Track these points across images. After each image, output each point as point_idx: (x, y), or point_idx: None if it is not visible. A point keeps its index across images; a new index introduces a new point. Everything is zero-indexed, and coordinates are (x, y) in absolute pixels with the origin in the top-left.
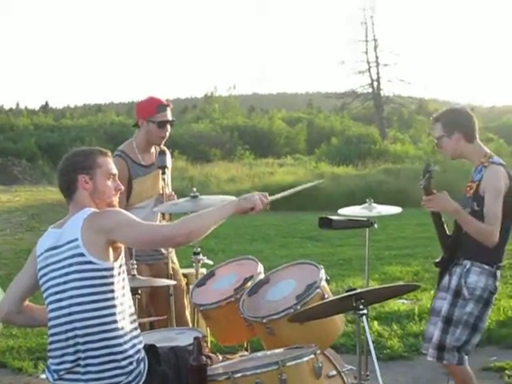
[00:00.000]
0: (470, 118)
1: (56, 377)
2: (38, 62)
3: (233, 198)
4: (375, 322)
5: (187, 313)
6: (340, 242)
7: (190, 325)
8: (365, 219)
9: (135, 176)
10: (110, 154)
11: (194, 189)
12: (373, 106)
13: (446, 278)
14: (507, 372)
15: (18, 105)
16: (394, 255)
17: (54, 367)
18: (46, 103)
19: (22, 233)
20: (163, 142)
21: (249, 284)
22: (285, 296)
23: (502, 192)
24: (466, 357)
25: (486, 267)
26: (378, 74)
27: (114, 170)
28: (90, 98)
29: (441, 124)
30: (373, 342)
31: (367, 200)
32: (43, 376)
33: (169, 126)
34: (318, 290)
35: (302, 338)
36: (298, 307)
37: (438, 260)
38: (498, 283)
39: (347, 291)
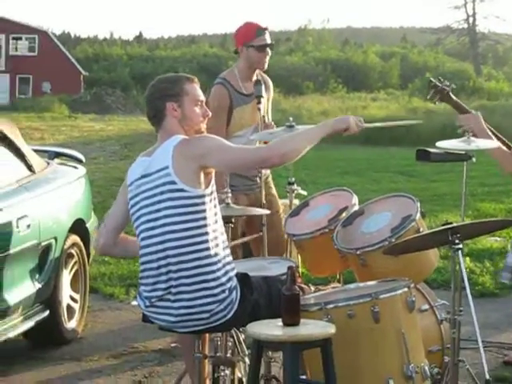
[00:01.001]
0: None
1: (148, 303)
2: None
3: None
4: (467, 259)
5: (285, 240)
6: (434, 177)
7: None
8: (463, 152)
9: (236, 104)
10: (196, 80)
11: (291, 118)
12: (468, 42)
13: None
14: None
15: (111, 35)
16: (487, 192)
17: (146, 294)
18: (140, 33)
19: (116, 161)
20: (266, 66)
21: (343, 215)
22: (379, 228)
23: None
24: None
25: None
26: (473, 9)
27: (202, 97)
28: (184, 29)
29: None
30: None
31: (466, 133)
32: (134, 303)
33: (269, 50)
34: (413, 224)
35: (396, 271)
36: (393, 240)
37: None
38: None
39: (443, 225)
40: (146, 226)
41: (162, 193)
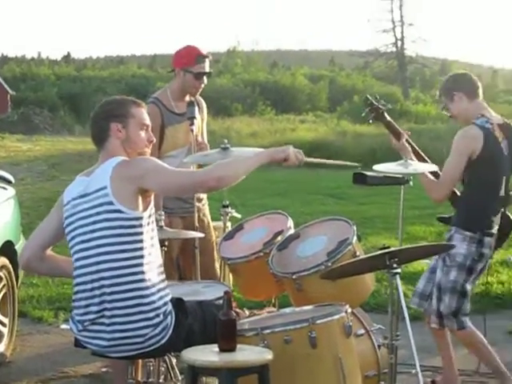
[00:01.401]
0: (466, 78)
1: (80, 328)
2: (60, 12)
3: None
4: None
5: (217, 266)
6: (363, 199)
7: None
8: (400, 176)
9: (168, 123)
10: (143, 105)
11: (225, 140)
12: (396, 65)
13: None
14: None
15: (39, 54)
16: (417, 215)
17: (78, 318)
18: (68, 53)
19: (43, 182)
20: (198, 93)
21: (279, 239)
22: (315, 252)
23: (463, 152)
24: (466, 319)
25: (469, 234)
26: (402, 33)
27: (148, 121)
28: (112, 49)
29: (443, 91)
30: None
31: (427, 160)
32: (63, 326)
33: (205, 78)
34: (349, 247)
35: (332, 295)
36: (329, 264)
37: (442, 216)
38: (486, 250)
39: (381, 249)
40: (80, 247)
41: (98, 213)
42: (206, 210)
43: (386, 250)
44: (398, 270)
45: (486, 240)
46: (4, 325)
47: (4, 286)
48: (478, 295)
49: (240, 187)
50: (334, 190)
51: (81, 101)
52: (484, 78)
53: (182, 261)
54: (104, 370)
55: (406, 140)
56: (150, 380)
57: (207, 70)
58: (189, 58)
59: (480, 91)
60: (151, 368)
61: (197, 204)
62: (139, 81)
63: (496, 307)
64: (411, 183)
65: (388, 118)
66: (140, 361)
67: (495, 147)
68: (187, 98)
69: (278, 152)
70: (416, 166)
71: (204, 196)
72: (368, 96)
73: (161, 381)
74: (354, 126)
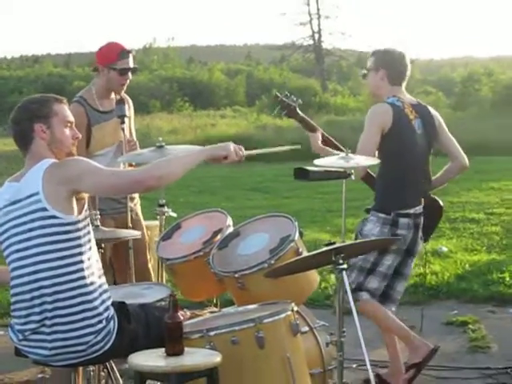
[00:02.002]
0: (400, 61)
1: (21, 337)
2: None
3: (200, 147)
4: (332, 276)
5: (150, 266)
6: (287, 193)
7: (154, 279)
8: (342, 170)
9: (94, 122)
10: (65, 100)
11: (160, 138)
12: (313, 58)
13: None
14: (470, 326)
15: None
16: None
17: (18, 327)
18: None
19: None
20: (124, 90)
21: (218, 237)
22: (257, 250)
23: (375, 127)
24: (365, 293)
25: (382, 215)
26: (319, 26)
27: (71, 118)
28: (27, 48)
29: (374, 58)
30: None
31: (344, 150)
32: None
33: (130, 74)
34: (292, 244)
35: (275, 293)
36: (272, 262)
37: (369, 207)
38: (402, 231)
39: (326, 245)
40: (16, 256)
41: (32, 220)
42: (138, 209)
43: (332, 246)
44: (345, 266)
45: (402, 221)
46: None
47: None
48: (413, 287)
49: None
50: (259, 184)
51: (20, 102)
52: None
53: (115, 263)
54: (40, 375)
55: (322, 134)
56: None
57: (131, 65)
58: (112, 54)
59: (404, 83)
60: (91, 373)
61: (129, 204)
62: (55, 79)
63: (431, 298)
64: (353, 177)
65: (300, 113)
66: (81, 367)
67: (405, 124)
68: (112, 96)
69: (219, 149)
70: (357, 160)
71: (136, 195)
72: (277, 93)
73: None
74: (274, 120)
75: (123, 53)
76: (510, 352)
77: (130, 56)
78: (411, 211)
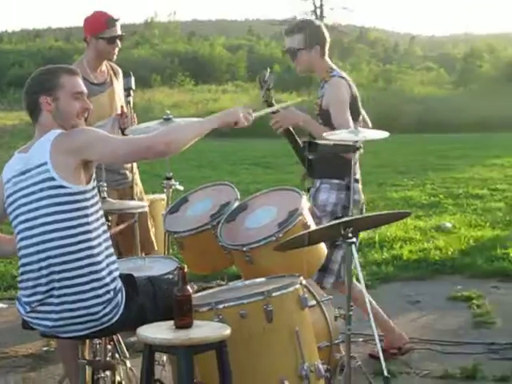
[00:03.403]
0: (326, 32)
1: (28, 309)
2: None
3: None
4: None
5: (152, 235)
6: (289, 168)
7: (156, 248)
8: (351, 143)
9: (90, 95)
10: (78, 71)
11: (168, 111)
12: None
13: None
14: (474, 302)
15: None
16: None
17: (25, 299)
18: None
19: None
20: (115, 57)
21: (225, 210)
22: (265, 223)
23: (347, 101)
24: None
25: (335, 181)
26: (321, 0)
27: (80, 88)
28: (28, 22)
29: (303, 35)
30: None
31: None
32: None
33: (119, 42)
34: (300, 217)
35: (283, 267)
36: (281, 235)
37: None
38: (356, 196)
39: (335, 218)
40: (24, 226)
41: (41, 190)
42: (138, 180)
43: (341, 220)
44: (354, 240)
45: (355, 186)
46: None
47: None
48: (416, 262)
49: (165, 160)
50: (261, 159)
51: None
52: (402, 44)
53: (119, 235)
54: (45, 349)
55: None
56: (97, 359)
57: (119, 32)
58: (98, 23)
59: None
60: (97, 346)
61: (131, 175)
62: (56, 53)
63: (435, 273)
64: (361, 151)
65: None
66: (87, 340)
67: (354, 94)
68: (104, 68)
69: (228, 117)
70: (366, 134)
71: (135, 166)
72: (266, 72)
73: (108, 359)
74: (275, 95)
75: (110, 21)
76: None
77: (117, 24)
78: (358, 176)
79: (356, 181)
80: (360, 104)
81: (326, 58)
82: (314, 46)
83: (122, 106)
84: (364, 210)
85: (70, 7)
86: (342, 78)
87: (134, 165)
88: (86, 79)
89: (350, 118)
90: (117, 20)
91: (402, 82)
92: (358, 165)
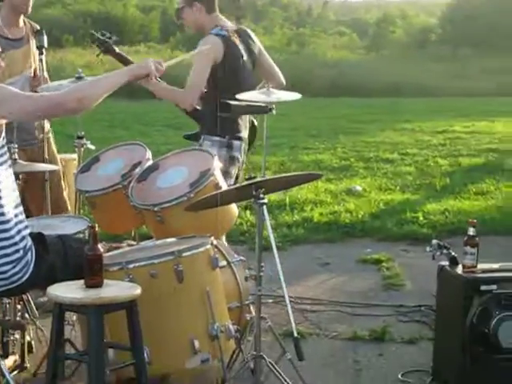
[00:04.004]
0: None
1: None
2: None
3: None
4: (247, 212)
5: (65, 195)
6: None
7: (70, 209)
8: (263, 105)
9: (3, 50)
10: None
11: (80, 70)
12: None
13: None
14: (384, 264)
15: None
16: (258, 145)
17: None
18: None
19: None
20: (29, 10)
21: (137, 170)
22: (177, 183)
23: (208, 62)
24: None
25: (217, 138)
26: None
27: None
28: None
29: (182, 2)
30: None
31: (265, 85)
32: None
33: None
34: (212, 178)
35: (194, 227)
36: (192, 195)
37: (187, 133)
38: (238, 153)
39: (247, 179)
40: None
41: None
42: (52, 139)
43: (253, 181)
44: (265, 201)
45: (235, 143)
46: None
47: None
48: (327, 224)
49: (77, 119)
50: (172, 120)
51: None
52: (315, 8)
53: (27, 194)
54: None
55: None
56: (7, 318)
57: None
58: None
59: (217, 5)
60: (7, 306)
61: (41, 135)
62: None
63: (345, 236)
64: (274, 112)
65: (116, 49)
66: None
67: (235, 51)
68: (22, 24)
69: (140, 69)
70: (279, 95)
71: (48, 125)
72: (93, 32)
73: (18, 318)
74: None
75: None
76: (423, 290)
77: None
78: (242, 135)
79: (238, 138)
80: (250, 65)
81: (216, 14)
82: (193, 3)
83: (35, 69)
84: (241, 169)
85: None
86: (222, 35)
87: (46, 125)
88: (1, 35)
89: (202, 81)
90: None
91: (315, 45)
92: (242, 124)
